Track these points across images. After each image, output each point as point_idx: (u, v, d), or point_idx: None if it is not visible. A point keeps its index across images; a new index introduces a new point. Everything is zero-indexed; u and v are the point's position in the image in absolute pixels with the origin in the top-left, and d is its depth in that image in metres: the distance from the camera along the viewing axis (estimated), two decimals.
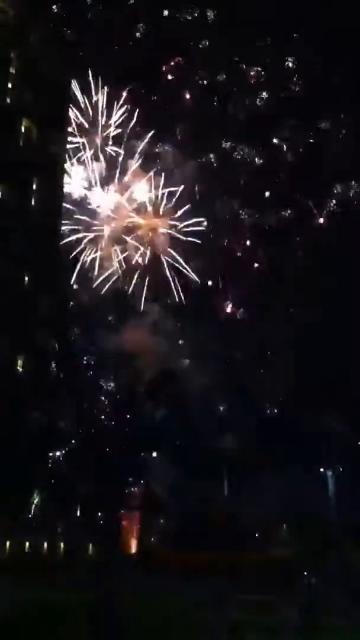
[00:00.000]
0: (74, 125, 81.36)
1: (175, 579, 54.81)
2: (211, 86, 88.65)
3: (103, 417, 75.22)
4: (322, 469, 58.38)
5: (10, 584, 34.77)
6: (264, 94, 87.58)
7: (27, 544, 62.65)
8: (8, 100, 65.69)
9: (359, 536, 54.69)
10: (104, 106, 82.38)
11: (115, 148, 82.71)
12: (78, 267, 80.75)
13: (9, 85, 66.14)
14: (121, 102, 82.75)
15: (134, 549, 67.62)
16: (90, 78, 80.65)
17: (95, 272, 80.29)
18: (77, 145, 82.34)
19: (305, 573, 46.33)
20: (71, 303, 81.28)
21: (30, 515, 64.87)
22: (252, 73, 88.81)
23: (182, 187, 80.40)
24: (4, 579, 39.03)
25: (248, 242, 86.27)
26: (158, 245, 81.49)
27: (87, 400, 73.93)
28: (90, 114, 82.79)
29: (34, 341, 65.59)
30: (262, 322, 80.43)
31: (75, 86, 79.64)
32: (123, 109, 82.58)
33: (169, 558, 64.69)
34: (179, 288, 79.97)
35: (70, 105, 79.42)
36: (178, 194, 79.92)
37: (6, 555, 58.29)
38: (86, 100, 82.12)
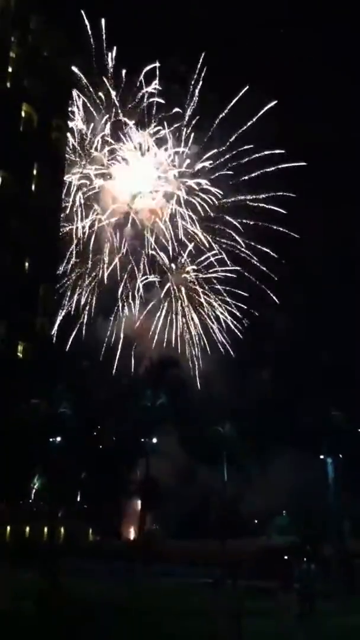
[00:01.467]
0: None
1: (175, 566, 55.15)
2: None
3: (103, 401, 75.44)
4: (322, 456, 58.44)
5: (11, 570, 34.84)
6: None
7: (27, 529, 62.84)
8: (8, 84, 65.35)
9: (357, 523, 54.87)
10: None
11: None
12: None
13: (9, 70, 65.80)
14: None
15: (134, 536, 67.86)
16: None
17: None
18: None
19: (304, 559, 46.50)
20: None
21: (30, 501, 65.04)
22: None
23: None
24: (4, 564, 39.11)
25: None
26: None
27: (87, 385, 74.00)
28: None
29: (34, 328, 65.65)
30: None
31: None
32: None
33: (169, 546, 64.99)
34: None
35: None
36: None
37: (6, 540, 58.48)
38: None
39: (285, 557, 49.43)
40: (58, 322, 78.21)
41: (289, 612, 26.19)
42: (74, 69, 78.54)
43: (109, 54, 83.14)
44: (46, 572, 25.28)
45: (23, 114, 66.58)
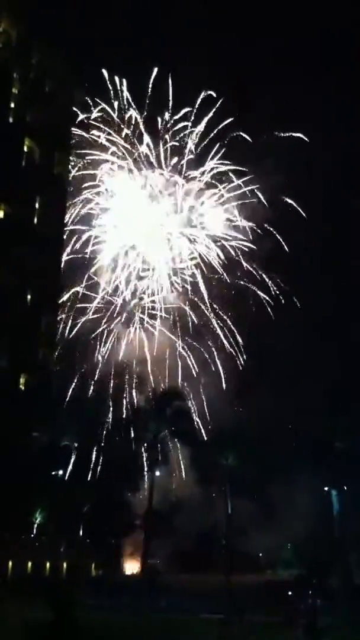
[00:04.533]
0: None
1: (180, 599, 54.47)
2: None
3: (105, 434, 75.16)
4: (326, 488, 58.05)
5: (16, 605, 34.46)
6: None
7: (30, 564, 62.15)
8: (10, 119, 66.20)
9: None
10: None
11: None
12: None
13: (12, 105, 66.71)
14: None
15: (137, 569, 67.08)
16: None
17: None
18: None
19: (310, 593, 46.06)
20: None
21: (32, 535, 64.46)
22: None
23: None
24: (10, 599, 38.65)
25: None
26: None
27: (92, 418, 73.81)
28: None
29: (36, 359, 65.70)
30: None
31: None
32: None
33: (173, 579, 64.26)
34: None
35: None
36: None
37: (9, 575, 57.82)
38: None
39: (290, 593, 48.97)
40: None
41: None
42: None
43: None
44: (55, 605, 24.95)
45: (25, 148, 67.40)
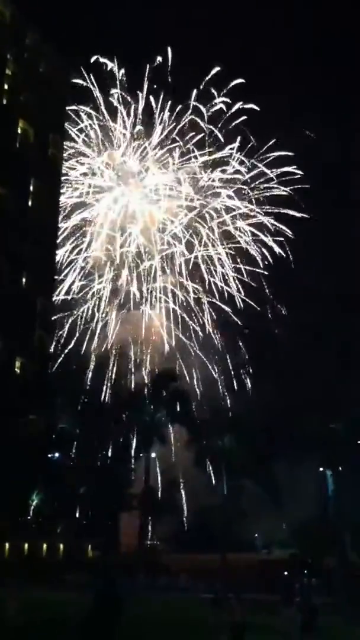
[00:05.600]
0: None
1: (176, 580, 54.90)
2: None
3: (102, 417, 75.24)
4: (321, 469, 58.29)
5: (12, 587, 34.53)
6: None
7: (26, 545, 62.45)
8: (4, 101, 65.69)
9: (358, 535, 54.61)
10: None
11: None
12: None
13: (5, 86, 66.14)
14: None
15: (134, 550, 67.42)
16: None
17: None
18: None
19: (305, 572, 46.43)
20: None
21: (29, 517, 64.69)
22: None
23: None
24: (5, 581, 38.71)
25: None
26: None
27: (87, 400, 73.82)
28: None
29: (32, 343, 65.61)
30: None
31: None
32: None
33: (170, 559, 64.70)
34: None
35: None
36: None
37: (6, 557, 58.06)
38: None
39: (285, 572, 49.27)
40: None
41: (291, 626, 26.04)
42: None
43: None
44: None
45: (19, 130, 66.93)
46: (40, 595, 33.16)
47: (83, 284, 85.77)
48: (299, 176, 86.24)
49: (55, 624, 23.61)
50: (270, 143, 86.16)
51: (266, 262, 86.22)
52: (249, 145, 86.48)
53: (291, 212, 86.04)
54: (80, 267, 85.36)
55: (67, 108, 77.35)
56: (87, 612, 15.40)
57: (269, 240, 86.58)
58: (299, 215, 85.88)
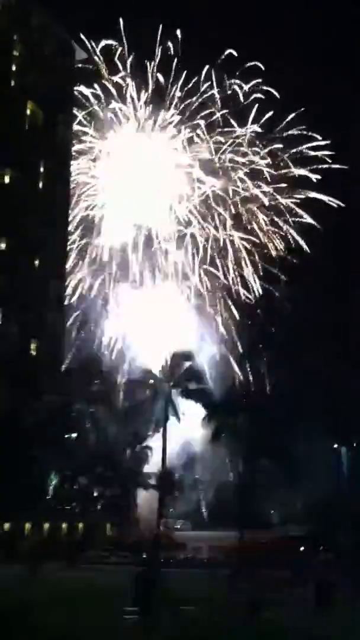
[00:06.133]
0: None
1: (193, 557, 55.39)
2: None
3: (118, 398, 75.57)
4: (336, 445, 58.38)
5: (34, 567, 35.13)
6: None
7: (47, 525, 63.11)
8: (12, 83, 65.46)
9: None
10: None
11: None
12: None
13: (13, 68, 65.90)
14: None
15: (152, 530, 68.04)
16: None
17: None
18: None
19: (321, 549, 46.68)
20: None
21: (47, 498, 65.34)
22: None
23: None
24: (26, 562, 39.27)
25: None
26: None
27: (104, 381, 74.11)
28: None
29: (46, 324, 65.96)
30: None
31: None
32: None
33: (187, 537, 65.17)
34: None
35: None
36: None
37: (26, 538, 58.75)
38: None
39: (301, 548, 49.56)
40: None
41: (306, 602, 26.31)
42: None
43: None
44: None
45: (28, 111, 66.75)
46: (64, 575, 33.68)
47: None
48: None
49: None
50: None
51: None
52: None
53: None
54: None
55: (75, 89, 76.86)
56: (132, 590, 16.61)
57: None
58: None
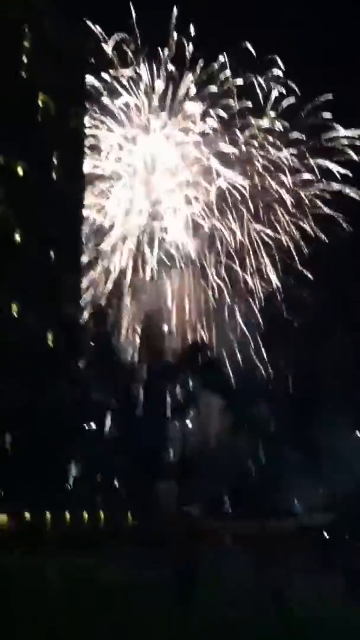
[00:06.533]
0: None
1: (215, 548, 55.34)
2: None
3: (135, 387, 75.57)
4: (358, 432, 58.20)
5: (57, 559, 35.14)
6: None
7: (68, 515, 63.40)
8: (24, 74, 65.28)
9: None
10: None
11: None
12: None
13: (24, 60, 65.68)
14: None
15: (172, 518, 68.24)
16: None
17: None
18: None
19: (347, 537, 46.53)
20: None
21: (69, 487, 65.70)
22: None
23: None
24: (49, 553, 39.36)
25: None
26: None
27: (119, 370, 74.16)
28: None
29: (63, 315, 66.06)
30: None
31: None
32: None
33: (207, 526, 65.12)
34: None
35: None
36: None
37: (48, 529, 59.02)
38: None
39: (326, 536, 49.45)
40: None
41: (333, 591, 26.25)
42: None
43: None
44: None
45: (40, 103, 66.60)
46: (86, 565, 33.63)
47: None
48: None
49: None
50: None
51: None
52: None
53: None
54: None
55: (87, 80, 76.56)
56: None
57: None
58: None
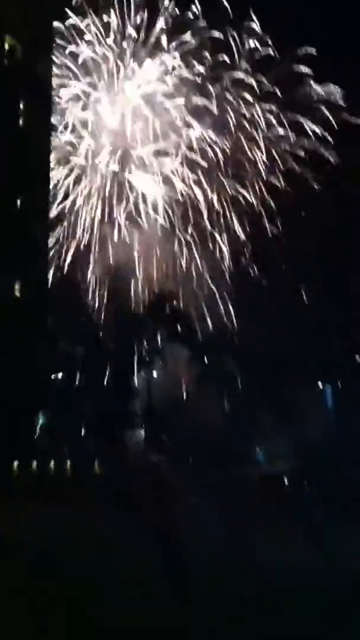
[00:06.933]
0: None
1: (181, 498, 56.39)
2: None
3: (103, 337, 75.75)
4: (320, 384, 59.29)
5: (27, 510, 35.53)
6: None
7: (35, 463, 63.90)
8: None
9: (358, 452, 56.03)
10: None
11: None
12: None
13: None
14: None
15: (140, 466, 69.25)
16: None
17: None
18: None
19: (307, 485, 47.86)
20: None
21: (36, 436, 66.15)
22: None
23: None
24: (18, 504, 39.66)
25: None
26: None
27: (87, 320, 74.26)
28: None
29: (30, 266, 65.44)
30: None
31: None
32: None
33: (173, 476, 66.16)
34: None
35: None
36: None
37: (14, 478, 59.49)
38: None
39: (286, 484, 50.76)
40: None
41: (296, 541, 27.21)
42: None
43: None
44: None
45: (6, 46, 64.71)
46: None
47: None
48: None
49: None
50: None
51: None
52: None
53: None
54: None
55: (55, 26, 74.53)
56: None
57: None
58: None
